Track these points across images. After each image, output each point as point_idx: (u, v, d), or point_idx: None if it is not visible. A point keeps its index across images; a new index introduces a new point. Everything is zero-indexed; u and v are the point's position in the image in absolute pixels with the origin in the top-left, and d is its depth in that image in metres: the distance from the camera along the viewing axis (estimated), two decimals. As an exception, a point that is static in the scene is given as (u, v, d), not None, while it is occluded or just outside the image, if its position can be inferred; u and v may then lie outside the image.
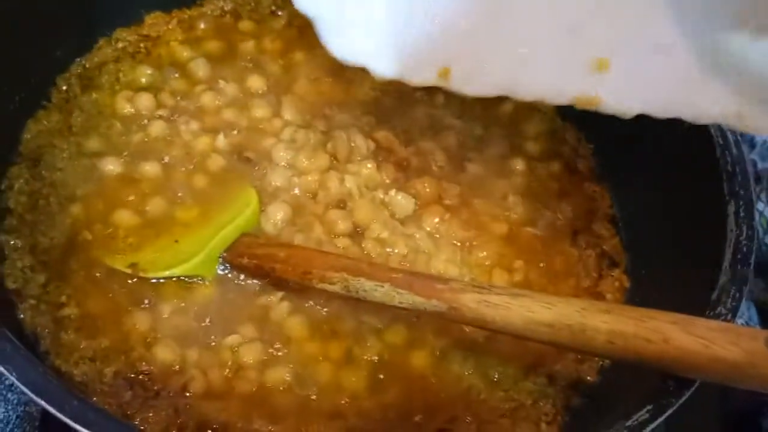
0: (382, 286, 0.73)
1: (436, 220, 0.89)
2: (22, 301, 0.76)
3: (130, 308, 0.78)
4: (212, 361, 0.76)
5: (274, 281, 0.81)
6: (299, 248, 0.82)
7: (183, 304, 0.79)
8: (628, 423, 0.64)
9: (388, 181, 0.91)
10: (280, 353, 0.78)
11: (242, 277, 0.82)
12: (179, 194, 0.86)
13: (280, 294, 0.81)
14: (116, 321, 0.77)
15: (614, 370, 0.80)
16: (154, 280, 0.79)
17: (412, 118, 0.98)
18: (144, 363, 0.75)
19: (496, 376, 0.80)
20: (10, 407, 0.82)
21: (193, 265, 0.80)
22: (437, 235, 0.88)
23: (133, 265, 0.79)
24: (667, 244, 0.87)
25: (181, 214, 0.85)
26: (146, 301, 0.78)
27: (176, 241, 0.82)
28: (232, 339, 0.77)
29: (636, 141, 0.93)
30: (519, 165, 0.97)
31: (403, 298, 0.72)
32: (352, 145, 0.92)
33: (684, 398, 0.65)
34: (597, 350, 0.67)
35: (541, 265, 0.89)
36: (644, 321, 0.64)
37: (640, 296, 0.87)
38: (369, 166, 0.90)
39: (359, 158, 0.91)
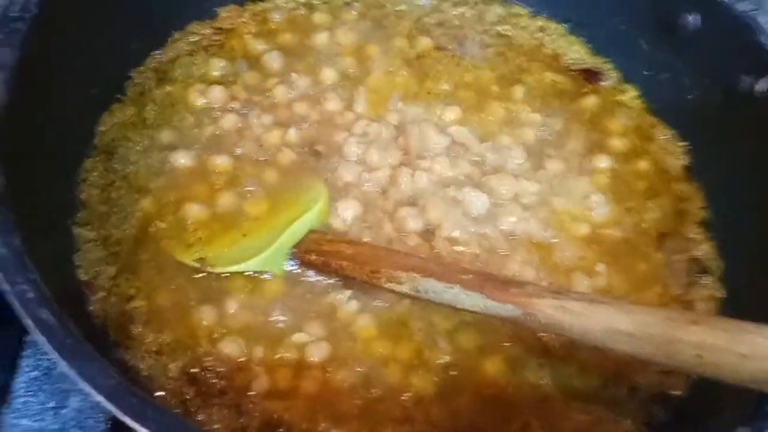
0: (452, 288, 0.70)
1: (513, 219, 0.85)
2: (93, 293, 0.76)
3: (197, 303, 0.77)
4: (278, 359, 0.74)
5: (342, 279, 0.78)
6: (367, 246, 0.79)
7: (250, 300, 0.78)
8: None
9: (462, 177, 0.87)
10: (347, 353, 0.75)
11: (310, 274, 0.80)
12: (249, 188, 0.85)
13: (348, 292, 0.79)
14: (183, 315, 0.76)
15: (705, 385, 0.74)
16: (223, 275, 0.78)
17: (489, 112, 0.94)
18: (209, 359, 0.74)
19: (574, 386, 0.76)
20: (83, 397, 0.82)
21: (260, 261, 0.78)
22: (513, 236, 0.85)
23: (200, 260, 0.78)
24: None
25: (251, 208, 0.84)
26: (213, 296, 0.77)
27: (244, 236, 0.81)
28: (298, 337, 0.76)
29: (732, 139, 0.88)
30: (603, 162, 0.92)
31: (474, 301, 0.69)
32: (425, 140, 0.89)
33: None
34: (684, 364, 0.61)
35: (625, 270, 0.85)
36: (739, 334, 0.58)
37: (735, 308, 0.81)
38: (442, 161, 0.87)
39: (432, 154, 0.88)
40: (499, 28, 1.04)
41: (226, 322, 0.76)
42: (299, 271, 0.80)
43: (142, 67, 0.93)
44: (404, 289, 0.73)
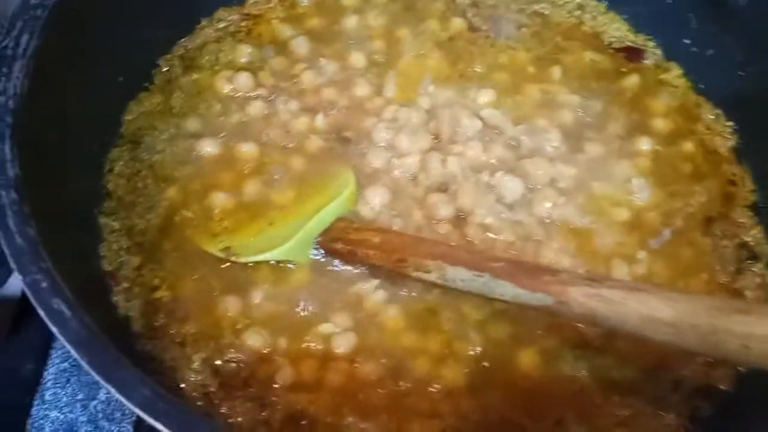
0: (482, 276, 0.67)
1: (549, 204, 0.82)
2: (117, 284, 0.75)
3: (221, 293, 0.75)
4: (302, 351, 0.73)
5: (369, 268, 0.76)
6: (394, 234, 0.77)
7: (275, 290, 0.76)
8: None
9: (495, 162, 0.84)
10: (374, 344, 0.73)
11: (336, 263, 0.78)
12: (276, 176, 0.83)
13: (375, 282, 0.76)
14: (207, 305, 0.75)
15: (753, 379, 0.70)
16: (248, 264, 0.77)
17: (525, 94, 0.91)
18: (233, 350, 0.72)
19: (612, 378, 0.72)
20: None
21: (286, 250, 0.76)
22: (549, 221, 0.81)
23: (226, 249, 0.77)
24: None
25: (277, 196, 0.82)
26: (238, 287, 0.76)
27: (271, 224, 0.79)
28: (324, 327, 0.74)
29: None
30: (645, 145, 0.88)
31: (505, 290, 0.66)
32: (457, 124, 0.86)
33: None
34: (730, 355, 0.57)
35: (668, 256, 0.80)
36: (789, 323, 0.54)
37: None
38: (474, 146, 0.84)
39: (464, 138, 0.85)
40: (535, 6, 1.00)
41: (250, 312, 0.75)
42: (325, 260, 0.78)
43: (169, 55, 0.92)
44: (432, 277, 0.70)
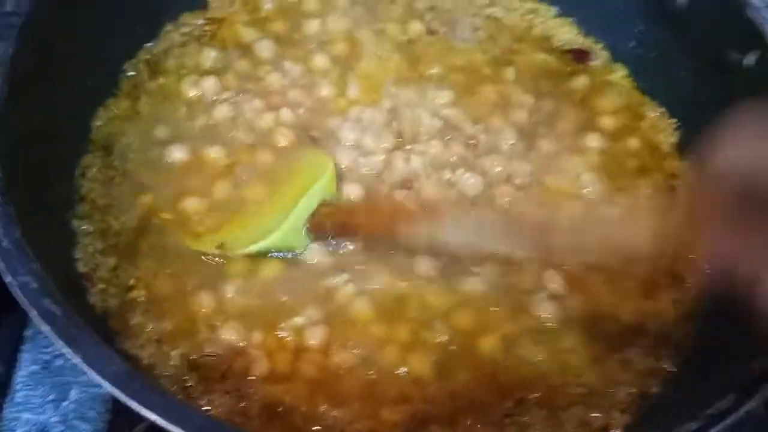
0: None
1: (507, 199, 0.86)
2: (93, 285, 0.77)
3: (195, 289, 0.77)
4: (276, 343, 0.75)
5: (362, 240, 0.80)
6: (381, 207, 0.81)
7: (247, 284, 0.78)
8: (710, 411, 0.60)
9: (455, 160, 0.88)
10: (345, 335, 0.76)
11: (307, 257, 0.80)
12: (244, 176, 0.85)
13: (345, 275, 0.79)
14: (182, 302, 0.77)
15: (694, 359, 0.76)
16: (222, 261, 0.79)
17: (481, 94, 0.95)
18: (209, 345, 0.75)
19: (568, 362, 0.77)
20: (83, 389, 0.83)
21: (279, 237, 0.79)
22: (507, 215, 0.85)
23: (220, 246, 0.79)
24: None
25: (249, 193, 0.84)
26: (211, 282, 0.78)
27: (254, 217, 0.82)
28: (296, 320, 0.76)
29: (721, 114, 0.88)
30: (594, 141, 0.93)
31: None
32: (419, 123, 0.89)
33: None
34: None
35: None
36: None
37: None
38: (436, 145, 0.88)
39: (426, 137, 0.89)
40: (489, 10, 1.04)
41: (224, 307, 0.77)
42: (300, 252, 0.81)
43: (134, 60, 0.93)
44: (423, 238, 0.75)
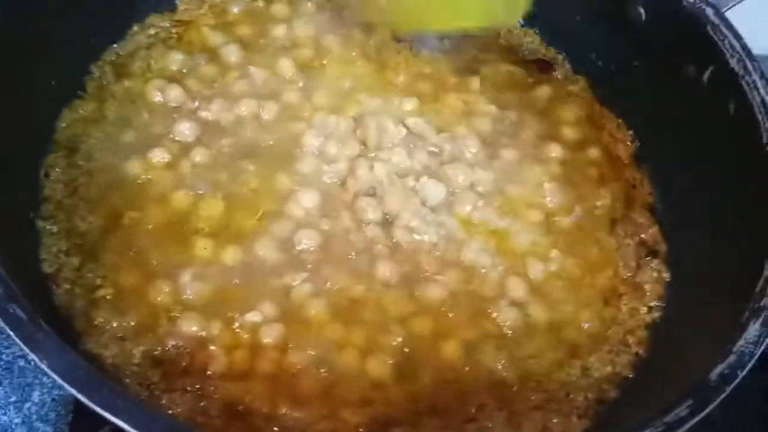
0: None
1: (469, 207, 0.87)
2: (58, 286, 0.76)
3: (153, 278, 0.77)
4: (233, 339, 0.75)
5: None
6: None
7: (204, 272, 0.78)
8: (667, 419, 0.61)
9: (419, 168, 0.89)
10: (301, 335, 0.76)
11: (264, 251, 0.80)
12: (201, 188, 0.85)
13: (303, 274, 0.79)
14: (143, 295, 0.76)
15: (653, 367, 0.78)
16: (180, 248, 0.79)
17: (446, 103, 0.96)
18: (170, 337, 0.74)
19: (529, 368, 0.78)
20: (45, 390, 0.83)
21: None
22: (469, 224, 0.87)
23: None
24: (710, 234, 0.84)
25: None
26: (169, 271, 0.78)
27: None
28: (251, 315, 0.76)
29: (678, 127, 0.91)
30: (555, 151, 0.94)
31: None
32: (384, 131, 0.90)
33: (725, 394, 0.63)
34: None
35: (578, 254, 0.87)
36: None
37: (681, 287, 0.85)
38: (400, 152, 0.89)
39: (390, 145, 0.90)
40: (455, 19, 1.05)
41: (181, 297, 0.77)
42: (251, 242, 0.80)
43: (100, 62, 0.92)
44: None
